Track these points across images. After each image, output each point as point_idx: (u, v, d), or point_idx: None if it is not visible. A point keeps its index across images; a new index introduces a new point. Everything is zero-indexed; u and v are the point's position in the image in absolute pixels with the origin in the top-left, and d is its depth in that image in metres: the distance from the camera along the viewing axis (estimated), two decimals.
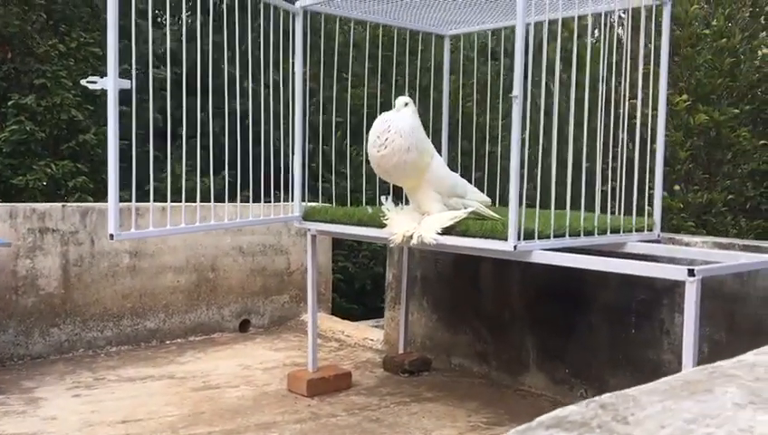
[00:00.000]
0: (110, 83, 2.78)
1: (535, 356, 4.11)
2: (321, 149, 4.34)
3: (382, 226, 3.49)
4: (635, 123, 3.64)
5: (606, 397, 0.74)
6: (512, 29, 3.36)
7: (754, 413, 0.69)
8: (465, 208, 3.33)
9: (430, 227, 3.25)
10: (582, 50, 3.70)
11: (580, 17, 3.84)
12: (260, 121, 3.60)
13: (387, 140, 3.17)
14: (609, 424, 0.67)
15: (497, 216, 3.30)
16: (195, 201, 3.45)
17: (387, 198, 3.60)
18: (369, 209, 3.76)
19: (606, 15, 3.42)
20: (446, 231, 3.21)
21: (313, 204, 4.19)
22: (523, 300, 4.19)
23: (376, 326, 5.54)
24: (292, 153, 3.84)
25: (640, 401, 0.74)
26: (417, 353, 4.56)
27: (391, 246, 3.81)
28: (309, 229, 3.96)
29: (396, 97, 3.34)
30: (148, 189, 3.08)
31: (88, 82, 2.81)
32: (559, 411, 0.70)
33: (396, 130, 3.17)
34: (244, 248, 5.44)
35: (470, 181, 3.75)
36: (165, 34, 2.97)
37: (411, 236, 3.29)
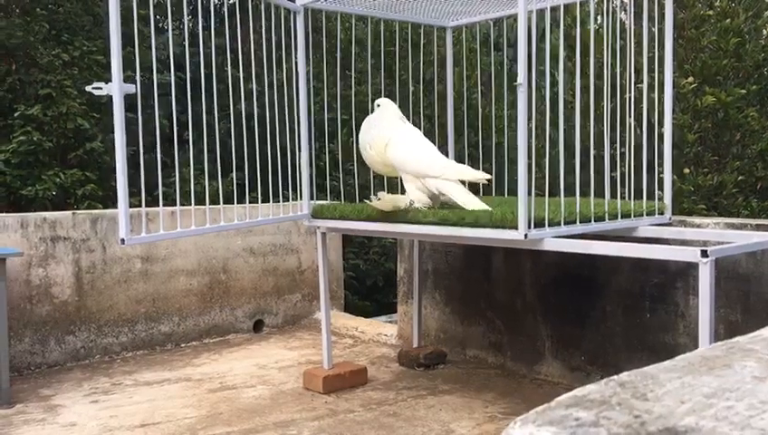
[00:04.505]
0: (115, 88, 2.79)
1: (550, 345, 4.10)
2: (328, 147, 4.35)
3: (392, 220, 3.49)
4: (642, 108, 3.62)
5: (624, 375, 0.74)
6: (514, 18, 3.35)
7: None
8: (439, 193, 3.47)
9: (384, 204, 3.50)
10: (586, 36, 3.68)
11: (582, 3, 3.82)
12: (266, 122, 3.60)
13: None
14: (629, 401, 0.66)
15: (474, 202, 3.32)
16: (204, 204, 3.46)
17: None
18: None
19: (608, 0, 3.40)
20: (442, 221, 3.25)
21: (322, 202, 4.19)
22: (536, 289, 4.18)
23: (389, 322, 5.54)
24: (299, 151, 3.85)
25: (659, 377, 0.74)
26: (431, 347, 4.56)
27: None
28: (318, 227, 3.96)
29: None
30: (157, 195, 3.09)
31: (93, 88, 2.82)
32: (578, 391, 0.70)
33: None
34: (254, 249, 5.45)
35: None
36: (168, 39, 2.97)
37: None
